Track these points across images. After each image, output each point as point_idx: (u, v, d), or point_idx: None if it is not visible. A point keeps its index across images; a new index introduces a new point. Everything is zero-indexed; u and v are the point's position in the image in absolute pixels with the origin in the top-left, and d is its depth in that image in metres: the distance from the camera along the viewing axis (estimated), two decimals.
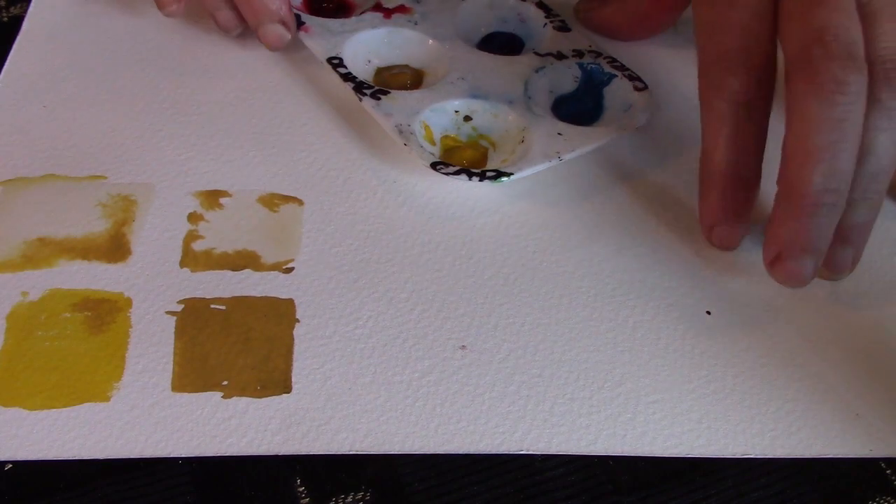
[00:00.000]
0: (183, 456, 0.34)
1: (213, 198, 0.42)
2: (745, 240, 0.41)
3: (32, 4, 0.51)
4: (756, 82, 0.38)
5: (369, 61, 0.47)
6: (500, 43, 0.49)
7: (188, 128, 0.45)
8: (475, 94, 0.45)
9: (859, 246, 0.39)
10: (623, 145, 0.45)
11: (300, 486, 0.33)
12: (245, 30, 0.49)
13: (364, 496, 0.33)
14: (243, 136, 0.45)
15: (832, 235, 0.37)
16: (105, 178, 0.43)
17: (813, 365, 0.37)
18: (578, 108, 0.46)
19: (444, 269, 0.40)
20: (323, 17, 0.48)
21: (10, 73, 0.47)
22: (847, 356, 0.38)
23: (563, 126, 0.44)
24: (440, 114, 0.44)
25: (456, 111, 0.45)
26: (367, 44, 0.47)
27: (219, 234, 0.41)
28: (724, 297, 0.39)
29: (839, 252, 0.39)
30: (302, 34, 0.47)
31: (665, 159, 0.45)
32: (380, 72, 0.47)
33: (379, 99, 0.44)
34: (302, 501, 0.33)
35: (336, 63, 0.45)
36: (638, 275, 0.40)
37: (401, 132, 0.42)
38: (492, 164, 0.43)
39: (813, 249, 0.37)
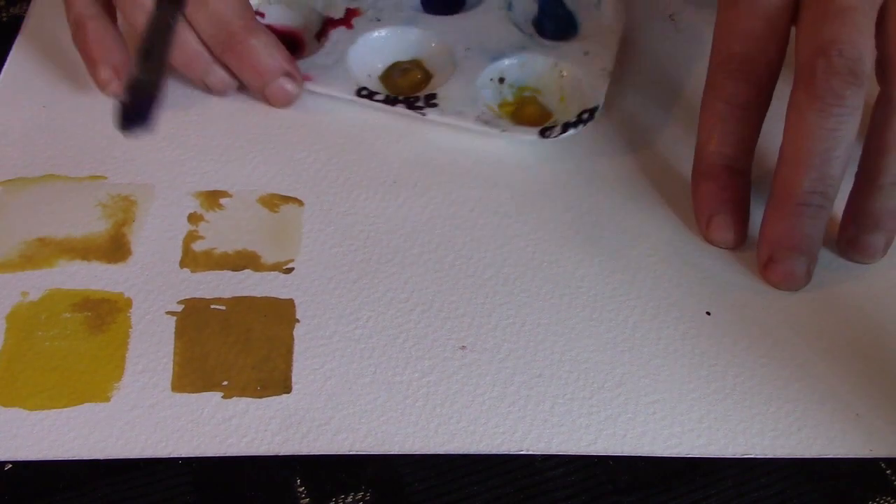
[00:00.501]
0: (183, 456, 0.34)
1: (213, 198, 0.42)
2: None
3: (32, 4, 0.51)
4: (755, 88, 0.40)
5: (369, 76, 0.46)
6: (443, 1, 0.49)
7: (188, 128, 0.45)
8: (493, 57, 0.46)
9: (892, 231, 0.40)
10: (622, 140, 0.45)
11: (300, 486, 0.33)
12: (241, 86, 0.45)
13: (364, 496, 0.33)
14: (243, 136, 0.45)
15: (822, 237, 0.39)
16: (105, 178, 0.43)
17: (813, 365, 0.37)
18: (553, 24, 0.48)
19: (444, 269, 0.40)
20: None
21: (10, 73, 0.47)
22: (847, 356, 0.38)
23: (582, 46, 0.46)
24: (485, 89, 0.45)
25: (491, 79, 0.45)
26: (360, 60, 0.46)
27: (219, 235, 0.41)
28: (724, 297, 0.39)
29: (870, 237, 0.40)
30: (308, 84, 0.45)
31: (665, 157, 0.45)
32: (385, 80, 0.47)
33: (436, 105, 0.44)
34: (302, 501, 0.33)
35: (366, 94, 0.45)
36: (638, 275, 0.40)
37: (487, 122, 0.43)
38: (556, 109, 0.45)
39: (802, 249, 0.39)
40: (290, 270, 0.40)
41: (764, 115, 0.41)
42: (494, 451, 0.34)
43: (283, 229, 0.41)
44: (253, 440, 0.34)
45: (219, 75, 0.45)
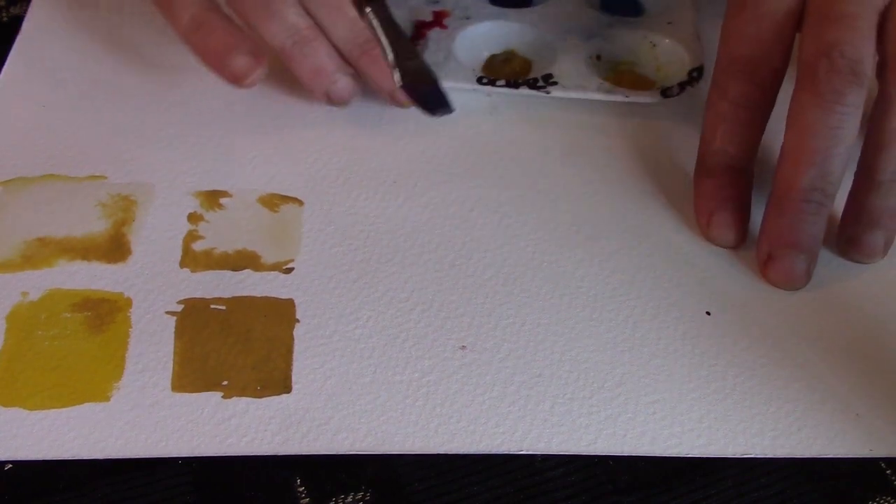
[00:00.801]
0: (183, 456, 0.34)
1: (213, 198, 0.42)
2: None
3: (32, 4, 0.51)
4: (758, 91, 0.41)
5: (473, 69, 0.47)
6: None
7: (188, 128, 0.45)
8: (586, 37, 0.48)
9: (891, 230, 0.41)
10: (621, 140, 0.45)
11: (300, 486, 0.33)
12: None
13: (364, 496, 0.33)
14: (243, 136, 0.45)
15: (821, 237, 0.39)
16: (105, 177, 0.43)
17: (813, 365, 0.37)
18: (616, 6, 0.51)
19: (444, 269, 0.40)
20: None
21: (10, 73, 0.47)
22: (847, 356, 0.38)
23: (662, 16, 0.49)
24: (590, 66, 0.47)
25: (589, 57, 0.47)
26: (463, 55, 0.47)
27: (219, 235, 0.41)
28: (724, 297, 0.39)
29: (869, 235, 0.40)
30: None
31: (665, 159, 0.45)
32: (488, 71, 0.47)
33: (556, 83, 0.46)
34: (302, 501, 0.33)
35: (487, 81, 0.46)
36: (638, 275, 0.40)
37: (608, 91, 0.45)
38: (655, 77, 0.48)
39: (802, 247, 0.39)
40: (290, 270, 0.40)
41: (768, 117, 0.41)
42: (494, 451, 0.34)
43: (283, 229, 0.41)
44: (253, 440, 0.34)
45: (344, 83, 0.44)
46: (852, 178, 0.40)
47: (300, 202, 0.42)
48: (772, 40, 0.41)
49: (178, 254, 0.40)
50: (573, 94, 0.46)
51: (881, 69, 0.40)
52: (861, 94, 0.38)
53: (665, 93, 0.45)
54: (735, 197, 0.41)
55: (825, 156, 0.38)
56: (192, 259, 0.40)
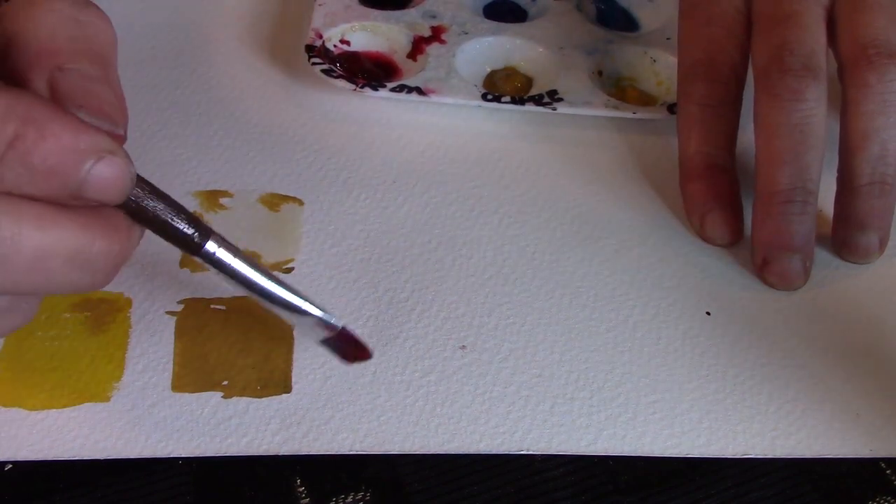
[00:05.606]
0: (183, 456, 0.34)
1: (213, 198, 0.42)
2: (743, 240, 0.41)
3: None
4: (722, 87, 0.41)
5: (476, 85, 0.47)
6: (504, 12, 0.51)
7: (188, 128, 0.45)
8: (588, 52, 0.48)
9: (882, 229, 0.40)
10: (622, 141, 0.45)
11: (300, 486, 0.33)
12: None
13: (364, 496, 0.33)
14: (243, 136, 0.45)
15: (813, 233, 0.40)
16: None
17: (813, 365, 0.37)
18: (612, 21, 0.50)
19: (444, 269, 0.40)
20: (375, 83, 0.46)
21: None
22: (847, 356, 0.38)
23: (660, 32, 0.49)
24: (594, 82, 0.47)
25: (592, 73, 0.47)
26: (464, 72, 0.47)
27: None
28: (724, 297, 0.39)
29: (859, 237, 0.40)
30: (434, 97, 0.45)
31: (666, 165, 0.45)
32: (488, 87, 0.47)
33: (562, 100, 0.45)
34: (302, 501, 0.33)
35: (492, 98, 0.45)
36: (638, 275, 0.40)
37: (615, 107, 0.45)
38: (656, 92, 0.47)
39: (794, 248, 0.39)
40: (290, 270, 0.40)
41: (737, 113, 0.42)
42: (494, 451, 0.34)
43: (282, 229, 0.41)
44: (253, 440, 0.34)
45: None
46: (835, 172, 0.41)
47: (300, 202, 0.42)
48: (725, 37, 0.42)
49: (178, 254, 0.40)
50: (579, 111, 0.45)
51: (839, 72, 0.40)
52: (818, 88, 0.39)
53: (672, 109, 0.45)
54: (723, 194, 0.41)
55: (796, 153, 0.39)
56: (192, 259, 0.40)
